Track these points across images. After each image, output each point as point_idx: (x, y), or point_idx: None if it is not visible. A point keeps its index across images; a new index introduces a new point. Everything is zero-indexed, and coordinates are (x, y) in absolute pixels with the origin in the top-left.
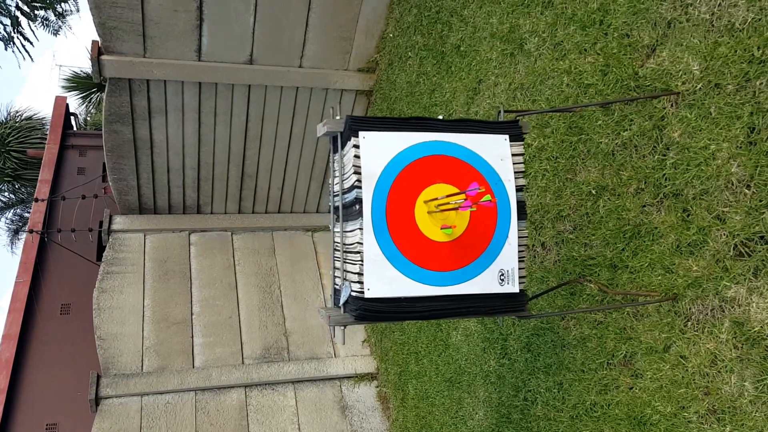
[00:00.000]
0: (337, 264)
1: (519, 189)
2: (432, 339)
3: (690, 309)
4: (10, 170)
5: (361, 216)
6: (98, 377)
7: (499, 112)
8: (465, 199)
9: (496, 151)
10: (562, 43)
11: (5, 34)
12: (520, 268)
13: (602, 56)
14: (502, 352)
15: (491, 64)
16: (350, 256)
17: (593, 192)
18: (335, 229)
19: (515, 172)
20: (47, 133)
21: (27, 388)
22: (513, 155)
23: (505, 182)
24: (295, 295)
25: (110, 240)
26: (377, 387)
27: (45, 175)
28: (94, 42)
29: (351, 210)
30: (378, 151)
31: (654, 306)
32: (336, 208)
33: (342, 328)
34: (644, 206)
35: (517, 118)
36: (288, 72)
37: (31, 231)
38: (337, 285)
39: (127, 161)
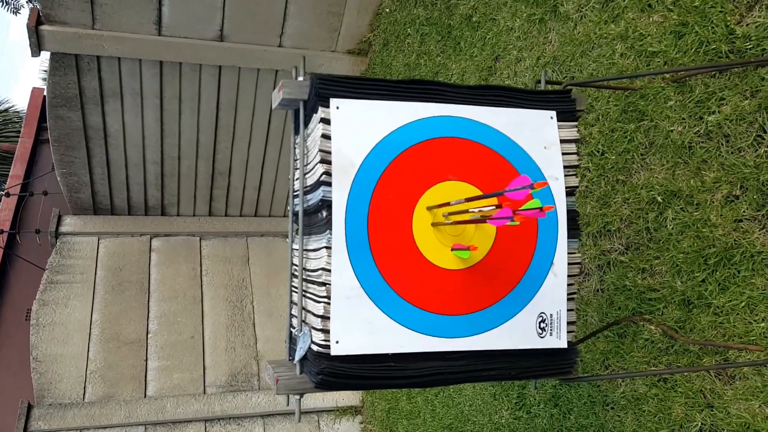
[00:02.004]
0: (295, 297)
1: (570, 192)
2: None
3: None
4: None
5: (330, 228)
6: (29, 407)
7: (539, 81)
8: (499, 205)
9: (538, 135)
10: (614, 0)
11: None
12: (569, 310)
13: (676, 12)
14: (518, 402)
15: (512, 35)
16: (312, 289)
17: (659, 199)
18: (294, 246)
19: (566, 167)
20: None
21: None
22: (563, 142)
23: (550, 181)
24: (270, 311)
25: (58, 244)
26: (362, 423)
27: (17, 170)
28: (32, 9)
29: (315, 218)
30: (359, 129)
31: (753, 367)
32: (296, 215)
33: (297, 396)
34: (739, 221)
35: (567, 87)
36: (265, 52)
37: None
38: (293, 329)
39: (77, 153)
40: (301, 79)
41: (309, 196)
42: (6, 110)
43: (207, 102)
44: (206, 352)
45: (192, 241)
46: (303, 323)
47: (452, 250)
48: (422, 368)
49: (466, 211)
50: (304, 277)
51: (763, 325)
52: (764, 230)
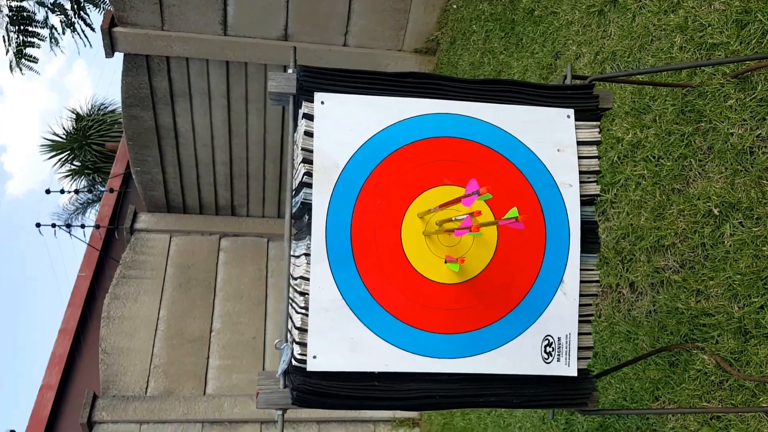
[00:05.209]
0: (290, 308)
1: (588, 201)
2: None
3: None
4: (90, 163)
5: (310, 234)
6: (94, 397)
7: (565, 76)
8: (462, 214)
9: (550, 136)
10: None
11: (66, 19)
12: (583, 333)
13: None
14: (566, 428)
15: (572, 29)
16: (296, 299)
17: (715, 212)
18: (288, 251)
19: (582, 173)
20: None
21: (78, 387)
22: (580, 143)
23: (562, 188)
24: None
25: (132, 240)
26: None
27: (117, 168)
28: (107, 12)
29: (301, 222)
30: (345, 126)
31: None
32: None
33: (279, 412)
34: None
35: (591, 81)
36: (330, 51)
37: (53, 225)
38: (277, 341)
39: (150, 152)
40: (290, 71)
41: (295, 199)
42: (113, 111)
43: None
44: (266, 353)
45: (260, 242)
46: (288, 334)
47: (445, 262)
48: (410, 390)
49: (447, 218)
50: (290, 284)
51: None
52: None
